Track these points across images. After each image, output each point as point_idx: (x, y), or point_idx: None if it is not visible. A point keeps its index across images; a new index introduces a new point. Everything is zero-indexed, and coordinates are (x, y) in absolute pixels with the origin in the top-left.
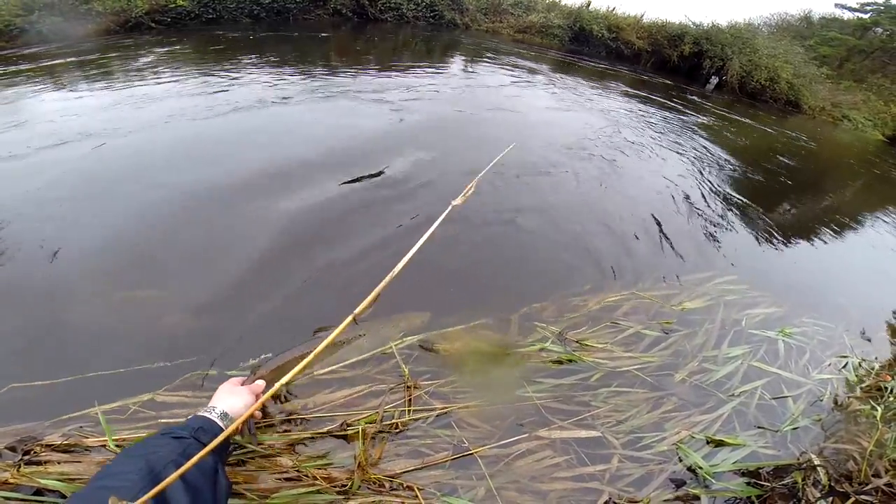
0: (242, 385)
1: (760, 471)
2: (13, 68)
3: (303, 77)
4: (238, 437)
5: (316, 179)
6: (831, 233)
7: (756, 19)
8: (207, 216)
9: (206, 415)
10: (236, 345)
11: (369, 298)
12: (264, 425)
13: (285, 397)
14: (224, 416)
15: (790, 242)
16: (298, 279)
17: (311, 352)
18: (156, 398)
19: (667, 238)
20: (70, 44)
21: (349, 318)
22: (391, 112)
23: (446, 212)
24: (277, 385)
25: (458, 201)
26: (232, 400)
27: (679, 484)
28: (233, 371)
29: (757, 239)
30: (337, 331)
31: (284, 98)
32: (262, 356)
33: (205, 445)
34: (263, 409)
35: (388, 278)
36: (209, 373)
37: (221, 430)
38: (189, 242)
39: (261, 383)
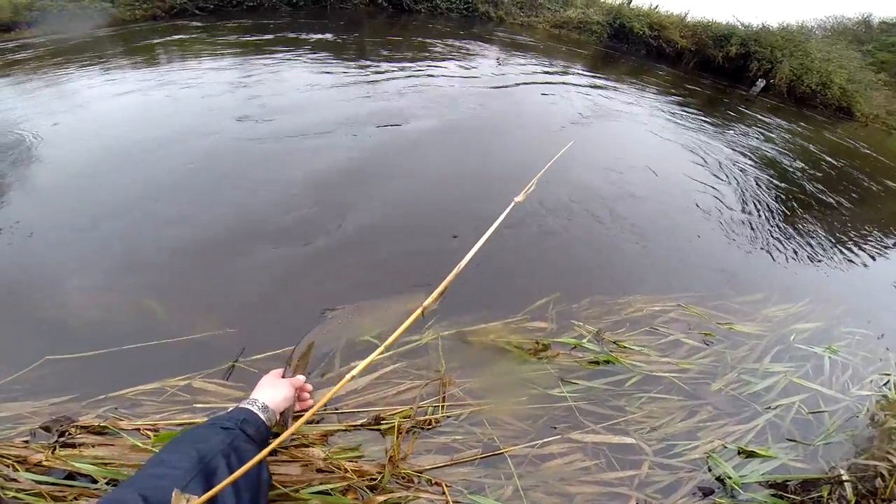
0: (283, 377)
1: (788, 483)
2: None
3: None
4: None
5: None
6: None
7: (810, 21)
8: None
9: (249, 407)
10: (270, 336)
11: (437, 292)
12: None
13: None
14: (265, 408)
15: (844, 254)
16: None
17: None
18: (193, 383)
19: (717, 251)
20: (120, 29)
21: (418, 311)
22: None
23: (508, 208)
24: (345, 380)
25: (519, 198)
26: (272, 392)
27: (707, 493)
28: (260, 356)
29: (811, 252)
30: (406, 324)
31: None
32: (291, 347)
33: (250, 437)
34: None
35: (454, 272)
36: (243, 362)
37: (263, 422)
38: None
39: (301, 378)
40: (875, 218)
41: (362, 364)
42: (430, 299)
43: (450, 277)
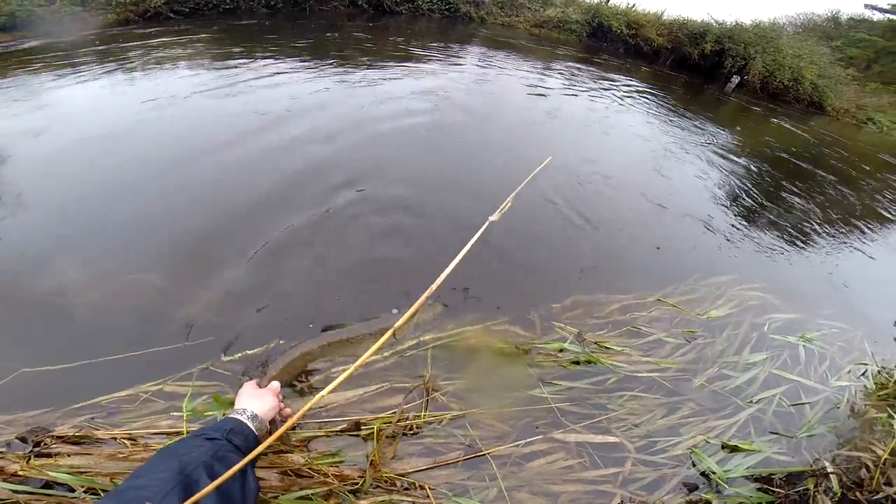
0: (258, 387)
1: (773, 477)
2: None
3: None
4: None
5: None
6: (857, 237)
7: (781, 19)
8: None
9: (237, 416)
10: (243, 335)
11: (409, 314)
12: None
13: (301, 392)
14: (254, 417)
15: (814, 246)
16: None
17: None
18: (165, 388)
19: (691, 242)
20: (91, 33)
21: (388, 333)
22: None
23: (483, 227)
24: (317, 397)
25: (495, 217)
26: (258, 402)
27: (691, 488)
28: (235, 356)
29: (781, 243)
30: (377, 345)
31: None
32: (261, 347)
33: (236, 447)
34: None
35: (426, 294)
36: (215, 363)
37: (252, 431)
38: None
39: (275, 385)
40: (851, 209)
41: (335, 382)
42: (401, 321)
43: (422, 299)
